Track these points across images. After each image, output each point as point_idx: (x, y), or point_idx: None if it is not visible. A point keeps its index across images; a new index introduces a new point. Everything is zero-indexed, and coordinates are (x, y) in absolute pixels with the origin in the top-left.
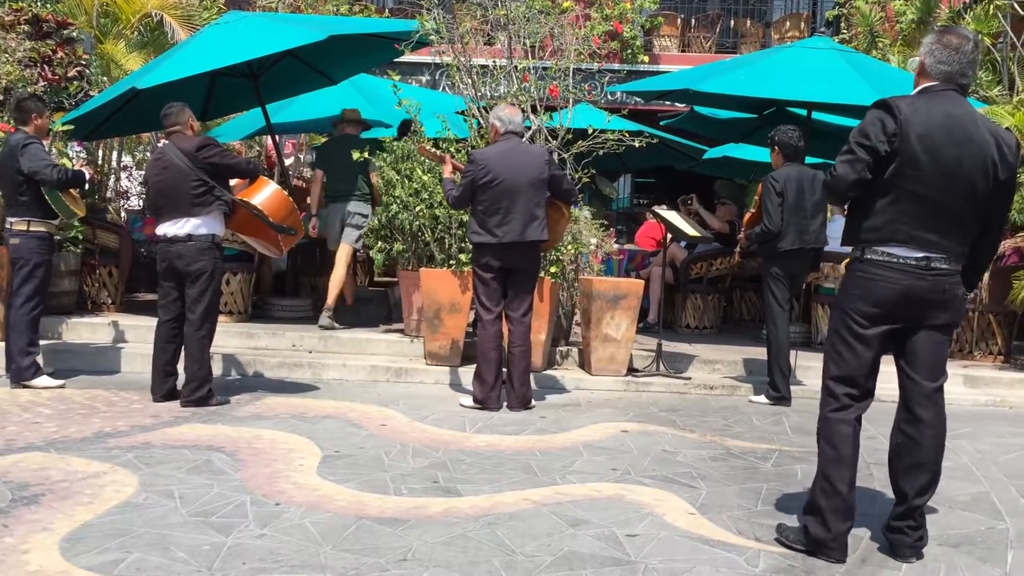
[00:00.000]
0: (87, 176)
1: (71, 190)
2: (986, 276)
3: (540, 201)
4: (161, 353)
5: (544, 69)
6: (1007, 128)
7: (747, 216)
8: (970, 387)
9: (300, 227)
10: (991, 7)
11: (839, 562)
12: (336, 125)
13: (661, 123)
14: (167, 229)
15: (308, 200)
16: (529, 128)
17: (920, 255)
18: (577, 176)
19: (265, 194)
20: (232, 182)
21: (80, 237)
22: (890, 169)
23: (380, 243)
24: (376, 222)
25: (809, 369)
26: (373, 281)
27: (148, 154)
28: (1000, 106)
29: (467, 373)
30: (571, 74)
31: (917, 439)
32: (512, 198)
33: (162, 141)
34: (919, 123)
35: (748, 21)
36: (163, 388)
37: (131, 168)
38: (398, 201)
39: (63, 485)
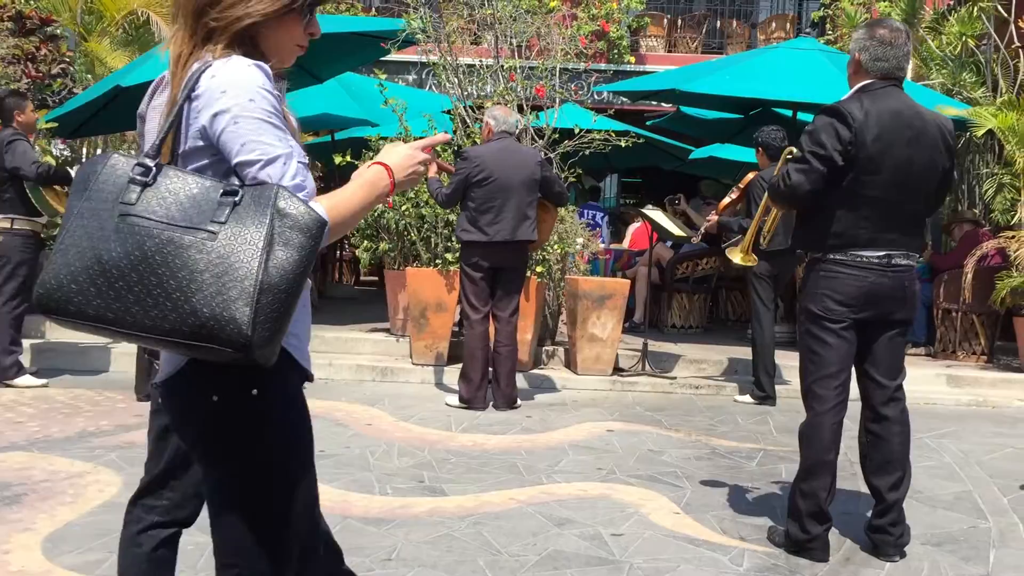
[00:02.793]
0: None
1: (57, 187)
2: (969, 276)
3: (532, 201)
4: (145, 352)
5: (531, 69)
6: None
7: (724, 202)
8: (953, 387)
9: None
10: (975, 9)
11: (822, 561)
12: None
13: (647, 123)
14: None
15: None
16: (516, 127)
17: (882, 253)
18: (564, 175)
19: None
20: None
21: None
22: (848, 177)
23: (366, 242)
24: (362, 221)
25: (794, 368)
26: (359, 280)
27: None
28: (984, 108)
29: (453, 372)
30: (558, 74)
31: (884, 437)
32: (504, 197)
33: None
34: (872, 126)
35: (734, 22)
36: (147, 387)
37: None
38: None
39: (46, 485)
